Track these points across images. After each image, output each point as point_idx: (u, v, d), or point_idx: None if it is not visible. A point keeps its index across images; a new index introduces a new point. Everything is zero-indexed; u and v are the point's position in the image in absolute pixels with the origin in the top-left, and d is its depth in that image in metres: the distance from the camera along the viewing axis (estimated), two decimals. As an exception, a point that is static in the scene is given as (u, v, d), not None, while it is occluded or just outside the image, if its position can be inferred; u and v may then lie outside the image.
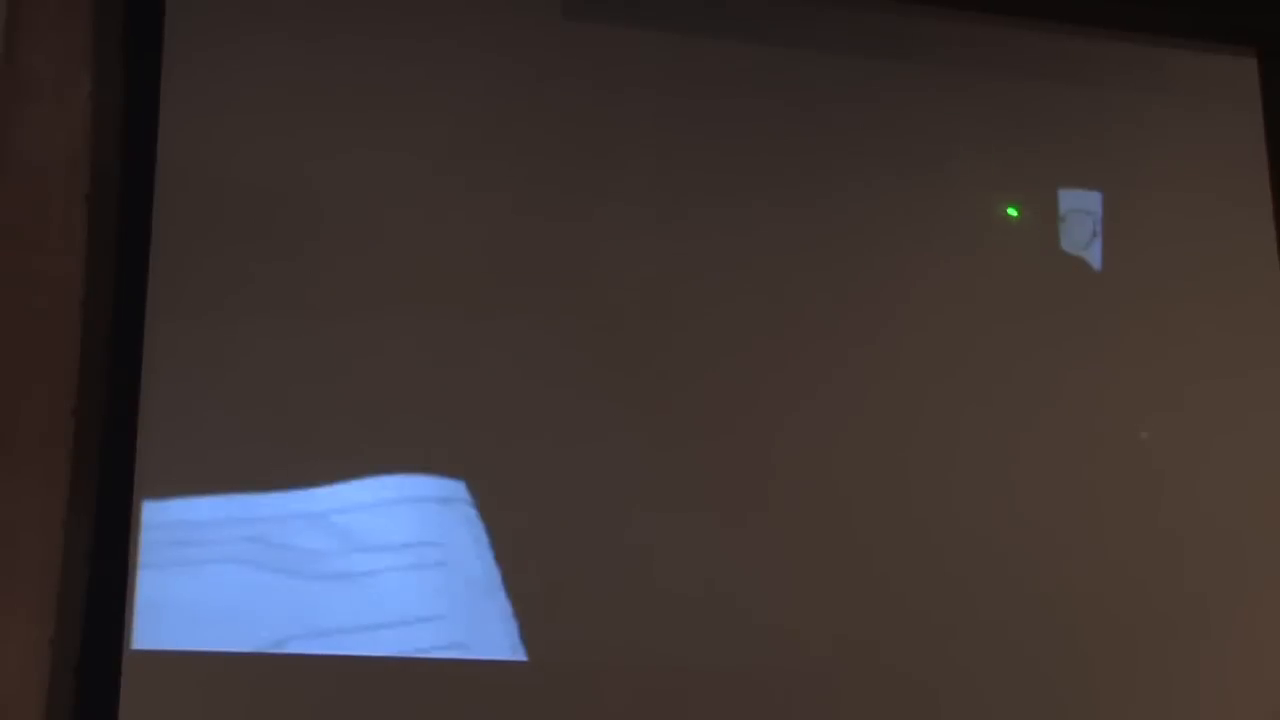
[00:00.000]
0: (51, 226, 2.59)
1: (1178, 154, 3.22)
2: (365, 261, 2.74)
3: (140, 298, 2.63)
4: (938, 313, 2.99)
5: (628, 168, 2.91)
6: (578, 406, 2.77)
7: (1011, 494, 2.93)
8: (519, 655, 2.64)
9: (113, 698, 2.47)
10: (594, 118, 2.91)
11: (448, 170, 2.82)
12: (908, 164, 3.05)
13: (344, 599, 2.58)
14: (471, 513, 2.67)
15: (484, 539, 2.66)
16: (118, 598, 2.51)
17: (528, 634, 2.64)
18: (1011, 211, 2.95)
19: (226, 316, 2.66)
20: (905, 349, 2.96)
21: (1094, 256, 3.12)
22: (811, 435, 2.87)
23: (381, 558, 2.61)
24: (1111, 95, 3.20)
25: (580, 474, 2.74)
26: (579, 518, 2.72)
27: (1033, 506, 2.94)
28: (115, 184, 2.66)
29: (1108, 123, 3.18)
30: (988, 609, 2.86)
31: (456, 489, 2.67)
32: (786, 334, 2.91)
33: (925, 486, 2.90)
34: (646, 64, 2.97)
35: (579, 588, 2.69)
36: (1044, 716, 2.84)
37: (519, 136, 2.87)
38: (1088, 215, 3.13)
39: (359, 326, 2.71)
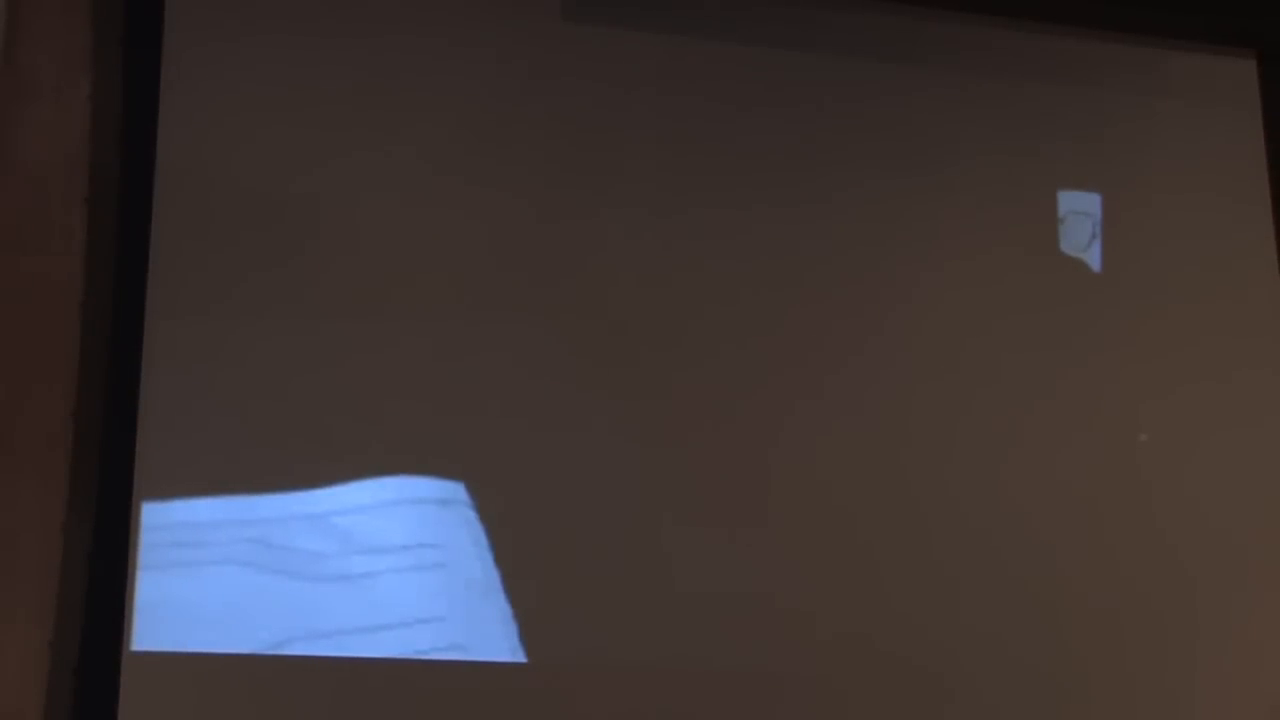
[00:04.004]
0: (51, 228, 2.59)
1: (1177, 155, 3.22)
2: (365, 262, 2.74)
3: (140, 299, 2.63)
4: (937, 314, 2.99)
5: (627, 169, 2.91)
6: (577, 407, 2.77)
7: (1011, 494, 2.93)
8: (518, 657, 2.64)
9: (112, 699, 2.47)
10: (593, 119, 2.91)
11: (446, 171, 2.82)
12: (907, 165, 3.04)
13: (344, 600, 2.58)
14: (471, 514, 2.67)
15: (484, 541, 2.66)
16: (117, 599, 2.51)
17: (527, 636, 2.64)
18: None
19: (226, 317, 2.66)
20: (905, 350, 2.96)
21: (1093, 258, 3.12)
22: (811, 435, 2.87)
23: (381, 559, 2.61)
24: (1111, 97, 3.20)
25: (580, 475, 2.74)
26: (578, 519, 2.72)
27: (1033, 506, 2.94)
28: (115, 185, 2.66)
29: (1107, 124, 3.18)
30: (987, 607, 2.86)
31: (456, 491, 2.67)
32: (786, 334, 2.91)
33: (925, 486, 2.90)
34: (645, 65, 2.96)
35: (578, 590, 2.69)
36: (1042, 714, 2.85)
37: (517, 137, 2.87)
38: (1087, 217, 3.13)
39: (359, 327, 2.71)
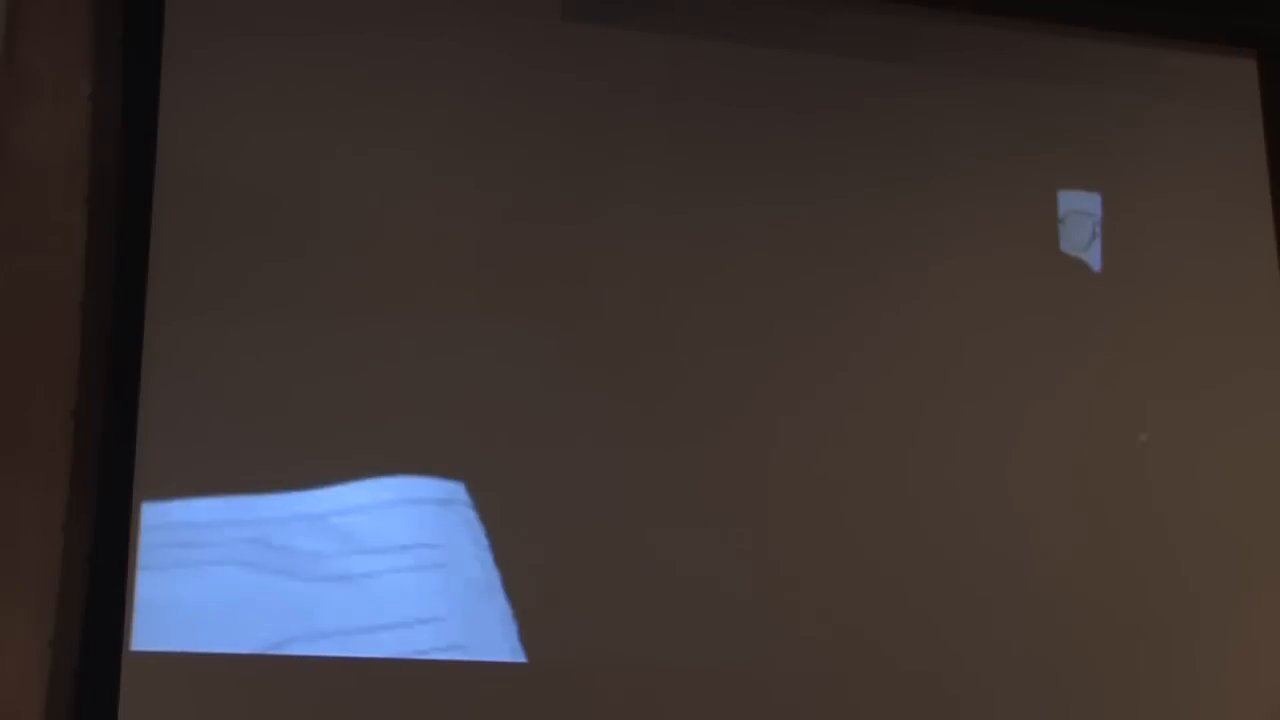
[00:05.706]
0: (51, 227, 2.59)
1: (1177, 155, 3.22)
2: (365, 262, 2.74)
3: (139, 299, 2.63)
4: (937, 314, 2.99)
5: (626, 169, 2.91)
6: (577, 407, 2.77)
7: (1011, 493, 2.94)
8: (518, 657, 2.64)
9: (112, 699, 2.47)
10: (592, 119, 2.91)
11: (446, 171, 2.82)
12: (907, 165, 3.05)
13: (343, 601, 2.58)
14: (471, 515, 2.67)
15: (483, 541, 2.66)
16: (117, 599, 2.51)
17: (527, 636, 2.64)
18: None
19: (226, 317, 2.66)
20: (905, 350, 2.96)
21: (1093, 258, 3.12)
22: (811, 435, 2.87)
23: (381, 559, 2.61)
24: (1111, 96, 3.20)
25: (580, 475, 2.74)
26: (578, 519, 2.72)
27: (1032, 505, 2.94)
28: (115, 185, 2.66)
29: (1107, 124, 3.18)
30: (987, 607, 2.87)
31: (456, 491, 2.67)
32: (786, 335, 2.91)
33: (925, 485, 2.90)
34: (645, 65, 2.96)
35: (578, 589, 2.69)
36: (1045, 714, 2.85)
37: (517, 137, 2.87)
38: (1087, 217, 3.13)
39: (359, 327, 2.71)
